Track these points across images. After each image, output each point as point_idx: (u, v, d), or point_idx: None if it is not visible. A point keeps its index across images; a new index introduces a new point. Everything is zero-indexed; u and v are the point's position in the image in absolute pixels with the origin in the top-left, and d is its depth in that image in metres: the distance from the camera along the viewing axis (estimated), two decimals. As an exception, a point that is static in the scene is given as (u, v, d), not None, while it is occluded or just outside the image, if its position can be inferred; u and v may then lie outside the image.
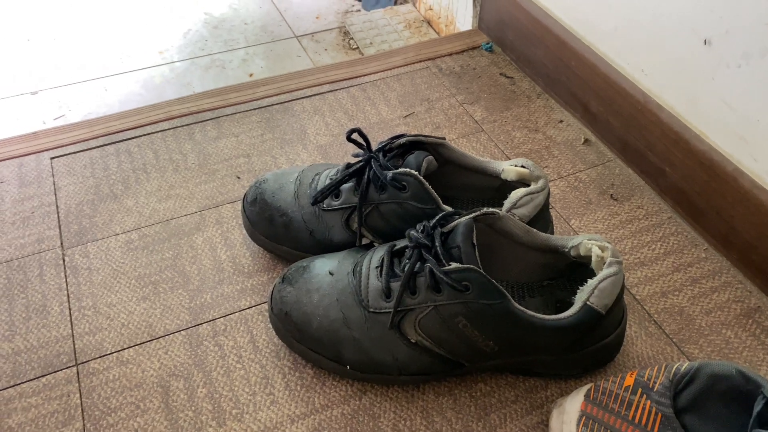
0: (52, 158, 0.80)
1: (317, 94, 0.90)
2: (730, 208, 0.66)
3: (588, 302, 0.52)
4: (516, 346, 0.54)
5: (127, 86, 1.09)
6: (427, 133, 0.74)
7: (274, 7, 1.27)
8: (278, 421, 0.55)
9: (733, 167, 0.65)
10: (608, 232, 0.72)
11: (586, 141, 0.83)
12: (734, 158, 0.65)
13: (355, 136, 0.62)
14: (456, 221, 0.54)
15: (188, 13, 1.25)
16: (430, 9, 1.20)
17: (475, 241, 0.53)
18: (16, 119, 1.03)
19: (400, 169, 0.60)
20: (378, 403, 0.56)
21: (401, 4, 1.27)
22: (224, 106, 0.88)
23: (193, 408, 0.56)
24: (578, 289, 0.54)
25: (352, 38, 1.19)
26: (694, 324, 0.63)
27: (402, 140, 0.63)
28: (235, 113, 0.87)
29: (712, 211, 0.69)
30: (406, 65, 0.95)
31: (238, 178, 0.77)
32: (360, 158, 0.63)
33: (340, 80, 0.93)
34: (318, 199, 0.63)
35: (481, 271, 0.51)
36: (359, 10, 1.26)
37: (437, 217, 0.55)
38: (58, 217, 0.73)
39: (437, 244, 0.53)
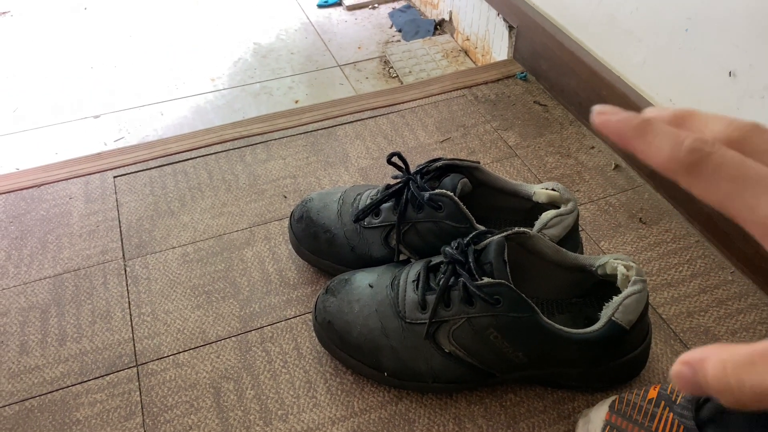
0: (115, 177, 0.87)
1: (359, 120, 0.95)
2: (755, 233, 0.68)
3: (613, 317, 0.55)
4: (544, 358, 0.57)
5: (181, 111, 1.17)
6: (462, 158, 0.79)
7: (319, 38, 1.34)
8: (320, 422, 0.59)
9: (758, 193, 0.67)
10: (637, 254, 0.74)
11: (617, 167, 0.86)
12: (759, 184, 0.68)
13: (395, 159, 0.67)
14: (489, 239, 0.58)
15: (238, 43, 1.33)
16: (467, 39, 1.25)
17: (506, 258, 0.57)
18: (80, 141, 1.11)
19: (437, 191, 0.64)
20: (413, 409, 0.60)
21: (440, 34, 1.33)
22: (273, 131, 0.94)
23: (242, 408, 0.61)
24: (605, 305, 0.57)
25: (392, 67, 1.25)
26: (719, 343, 0.65)
27: (439, 163, 0.67)
28: (282, 137, 0.93)
29: (739, 236, 0.71)
30: (444, 93, 1.00)
31: (285, 197, 0.83)
32: (399, 180, 0.67)
33: (380, 107, 0.98)
34: (360, 217, 0.67)
35: (512, 285, 0.55)
36: (399, 41, 1.32)
37: (471, 235, 0.59)
38: (120, 231, 0.79)
39: (470, 260, 0.57)
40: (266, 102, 1.17)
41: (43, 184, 0.85)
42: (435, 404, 0.61)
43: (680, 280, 0.71)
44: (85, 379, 0.63)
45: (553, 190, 0.67)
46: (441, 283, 0.57)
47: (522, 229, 0.59)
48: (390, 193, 0.67)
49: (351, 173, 0.87)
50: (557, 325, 0.55)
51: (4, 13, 1.48)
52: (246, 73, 1.26)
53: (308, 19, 1.40)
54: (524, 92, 1.00)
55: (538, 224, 0.64)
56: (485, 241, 0.59)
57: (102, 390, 0.62)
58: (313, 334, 0.66)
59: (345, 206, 0.71)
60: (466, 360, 0.58)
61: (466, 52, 1.26)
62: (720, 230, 0.73)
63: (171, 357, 0.65)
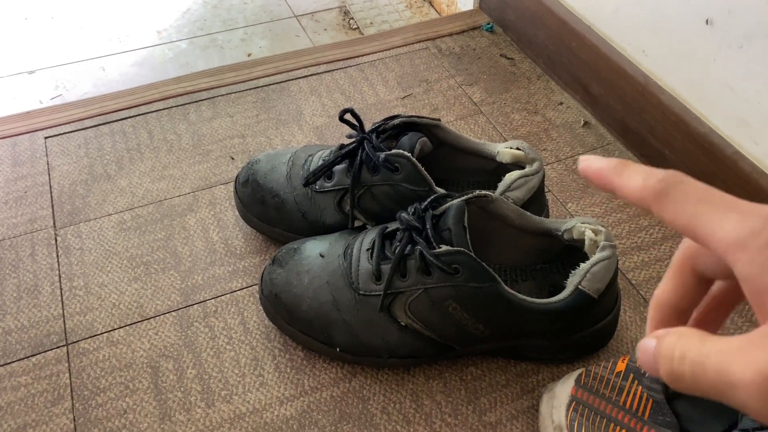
0: (46, 138, 0.79)
1: (314, 74, 0.89)
2: (730, 192, 0.65)
3: (580, 286, 0.52)
4: (506, 329, 0.53)
5: (125, 66, 1.08)
6: (423, 115, 0.73)
7: (273, -15, 1.26)
8: (267, 402, 0.55)
9: (733, 150, 0.64)
10: (606, 216, 0.71)
11: (586, 123, 0.81)
12: (735, 141, 0.64)
13: (348, 116, 0.61)
14: (448, 204, 0.54)
15: (187, -9, 1.24)
16: (432, -12, 1.18)
17: (466, 224, 0.52)
18: (12, 98, 1.02)
19: (393, 151, 0.59)
20: (368, 386, 0.56)
21: (403, -17, 1.25)
22: (220, 86, 0.87)
23: (182, 389, 0.56)
24: (571, 273, 0.53)
25: (352, 18, 1.18)
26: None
27: (396, 121, 0.62)
28: (230, 93, 0.86)
29: (712, 196, 0.67)
30: (406, 45, 0.94)
31: (232, 159, 0.77)
32: (353, 139, 0.62)
33: (338, 60, 0.91)
34: (310, 180, 0.62)
35: (471, 254, 0.50)
36: (360, -10, 1.24)
37: (429, 200, 0.54)
38: (51, 197, 0.72)
39: (428, 226, 0.52)
40: (217, 56, 1.10)
41: (-36, 146, 0.78)
42: (391, 380, 0.57)
43: (651, 243, 0.68)
44: (8, 361, 0.58)
45: (517, 149, 0.62)
46: (396, 251, 0.53)
47: (483, 192, 0.55)
48: (343, 154, 0.61)
49: (305, 132, 0.81)
50: (520, 296, 0.51)
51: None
52: (195, 24, 1.17)
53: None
54: (490, 44, 0.94)
55: (501, 186, 0.59)
56: (444, 206, 0.54)
57: (27, 372, 0.57)
58: (261, 308, 0.61)
59: (295, 168, 0.65)
60: (423, 333, 0.54)
61: (430, 2, 1.19)
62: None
63: (105, 334, 0.60)
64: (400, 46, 0.94)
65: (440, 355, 0.56)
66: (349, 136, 0.63)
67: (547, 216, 0.65)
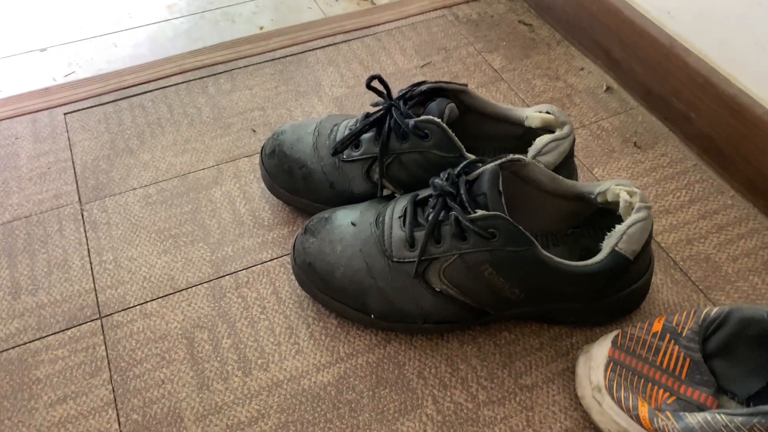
0: (65, 114, 0.79)
1: (331, 45, 0.88)
2: (759, 154, 0.65)
3: (616, 248, 0.51)
4: (542, 293, 0.53)
5: (137, 41, 1.07)
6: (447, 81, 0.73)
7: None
8: (304, 370, 0.55)
9: (763, 110, 0.63)
10: (632, 180, 0.70)
11: (609, 88, 0.81)
12: (765, 101, 0.63)
13: (375, 83, 0.61)
14: (481, 168, 0.53)
15: (195, -35, 1.22)
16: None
17: (501, 189, 0.52)
18: (27, 76, 1.01)
19: (423, 117, 0.58)
20: (403, 352, 0.56)
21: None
22: (237, 59, 0.86)
23: (218, 359, 0.56)
24: (605, 236, 0.53)
25: (363, -12, 1.16)
26: (720, 271, 0.62)
27: (423, 87, 0.61)
28: (248, 65, 0.85)
29: (740, 158, 0.67)
30: (422, 13, 0.93)
31: (254, 131, 0.76)
32: (380, 107, 0.61)
33: (354, 29, 0.90)
34: (338, 149, 0.61)
35: (508, 218, 0.50)
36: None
37: (462, 165, 0.54)
38: (75, 172, 0.72)
39: (462, 191, 0.52)
40: (228, 30, 1.08)
41: (-16, 124, 0.77)
42: (426, 346, 0.57)
43: (678, 206, 0.68)
44: (44, 335, 0.58)
45: (547, 113, 0.61)
46: (431, 217, 0.52)
47: (517, 156, 0.54)
48: (370, 122, 0.61)
49: (325, 103, 0.80)
50: (558, 259, 0.51)
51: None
52: (205, -3, 1.15)
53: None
54: (508, 11, 0.93)
55: (532, 150, 0.59)
56: (477, 171, 0.53)
57: (63, 345, 0.57)
58: (293, 277, 0.61)
59: (321, 138, 0.64)
60: (458, 298, 0.54)
61: (442, -29, 1.17)
62: (718, 152, 0.69)
63: (138, 307, 0.60)
64: (416, 15, 0.93)
65: (474, 320, 0.56)
66: (375, 104, 0.62)
67: (577, 180, 0.65)
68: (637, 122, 0.76)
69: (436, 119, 0.58)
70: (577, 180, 0.65)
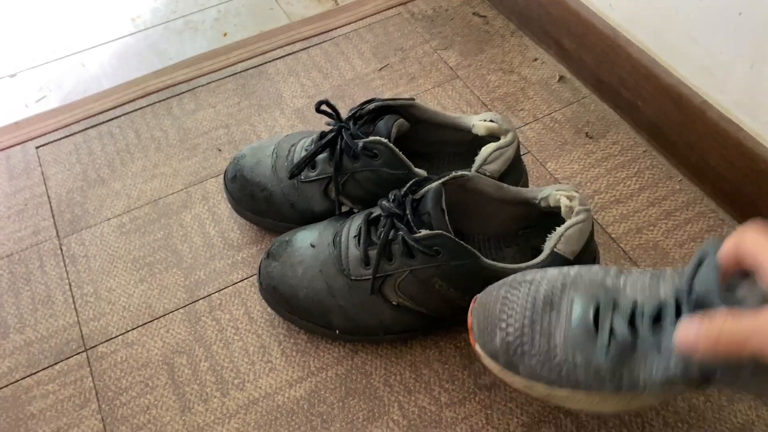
0: (37, 147, 0.81)
1: (290, 54, 0.90)
2: (700, 141, 0.67)
3: (555, 249, 0.55)
4: (492, 300, 0.56)
5: (104, 59, 1.09)
6: (396, 95, 0.75)
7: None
8: (278, 386, 0.59)
9: (700, 100, 0.65)
10: (584, 171, 0.73)
11: (561, 78, 0.83)
12: (701, 91, 0.66)
13: (323, 107, 0.63)
14: (426, 188, 0.56)
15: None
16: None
17: (444, 207, 0.55)
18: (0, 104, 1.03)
19: (371, 138, 0.61)
20: (369, 361, 0.60)
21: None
22: (199, 76, 0.88)
23: (197, 381, 0.60)
24: (548, 237, 0.56)
25: (324, -16, 1.16)
26: (668, 257, 0.65)
27: (371, 106, 0.64)
28: (209, 82, 0.87)
29: (684, 144, 0.69)
30: (378, 13, 0.94)
31: (219, 150, 0.79)
32: (332, 128, 0.64)
33: (312, 36, 0.92)
34: (294, 173, 0.64)
35: (450, 235, 0.53)
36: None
37: (408, 185, 0.57)
38: (51, 206, 0.75)
39: (408, 212, 0.55)
40: (192, 38, 1.10)
41: (-40, 164, 0.80)
42: (390, 354, 0.61)
43: (629, 194, 0.71)
44: (34, 371, 0.62)
45: (491, 121, 0.64)
46: (381, 237, 0.56)
47: (460, 173, 0.57)
48: (323, 144, 0.63)
49: (287, 116, 0.82)
50: (500, 264, 0.54)
51: None
52: (168, 7, 1.16)
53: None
54: (462, 3, 0.94)
55: (478, 160, 0.62)
56: (423, 190, 0.56)
57: (53, 380, 0.61)
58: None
59: (279, 160, 0.67)
60: (415, 309, 0.57)
61: (400, -40, 1.17)
62: (665, 139, 0.72)
63: (120, 337, 0.64)
64: (372, 14, 0.94)
65: (433, 327, 0.60)
66: (329, 124, 0.65)
67: (526, 182, 0.67)
68: (589, 111, 0.79)
69: (383, 140, 0.60)
70: (527, 181, 0.67)
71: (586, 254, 0.57)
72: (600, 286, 0.47)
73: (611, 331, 0.44)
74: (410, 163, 0.61)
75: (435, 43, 0.89)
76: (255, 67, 0.88)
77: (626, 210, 0.69)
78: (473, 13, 0.92)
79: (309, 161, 0.64)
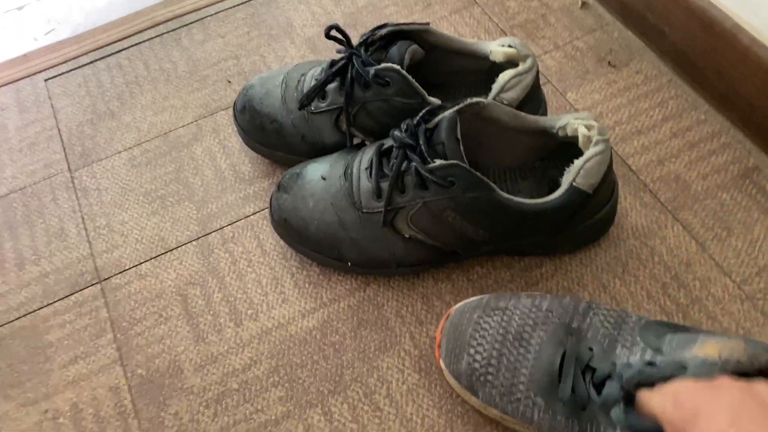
0: (46, 80, 0.80)
1: (301, -19, 0.86)
2: (729, 67, 0.64)
3: (574, 183, 0.53)
4: (506, 232, 0.55)
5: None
6: (409, 22, 0.72)
7: None
8: (290, 317, 0.59)
9: (732, 23, 0.62)
10: (605, 102, 0.70)
11: (584, 4, 0.79)
12: (733, 13, 0.62)
13: (334, 32, 0.61)
14: (440, 116, 0.54)
15: None
16: None
17: (459, 136, 0.53)
18: (7, 37, 1.02)
19: (382, 65, 0.59)
20: (381, 293, 0.60)
21: None
22: (207, 5, 0.85)
23: (211, 312, 0.61)
24: (566, 170, 0.55)
25: None
26: (689, 190, 0.63)
27: (383, 31, 0.61)
28: (218, 12, 0.84)
29: (712, 71, 0.66)
30: (392, -63, 0.90)
31: (229, 82, 0.77)
32: (342, 55, 0.61)
33: (324, -38, 0.88)
34: (304, 103, 0.62)
35: (465, 165, 0.51)
36: None
37: (420, 114, 0.55)
38: (62, 139, 0.74)
39: (421, 142, 0.53)
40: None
41: (-30, 98, 0.79)
42: (402, 285, 0.60)
43: (651, 125, 0.68)
44: (51, 302, 0.63)
45: (509, 46, 0.61)
46: (393, 169, 0.54)
47: (475, 99, 0.55)
48: (333, 73, 0.61)
49: (297, 46, 0.80)
50: (516, 199, 0.53)
51: None
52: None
53: None
54: (481, -75, 0.89)
55: (495, 87, 0.59)
56: (436, 119, 0.55)
57: (69, 310, 0.62)
58: (274, 230, 0.64)
59: (289, 90, 0.65)
60: (427, 242, 0.56)
61: None
62: (692, 66, 0.69)
63: (133, 269, 0.64)
64: (387, -62, 0.89)
65: (446, 260, 0.59)
66: (339, 51, 0.63)
67: (545, 112, 0.65)
68: (613, 39, 0.75)
69: (395, 66, 0.58)
70: (545, 111, 0.65)
71: (605, 187, 0.55)
72: (567, 332, 0.48)
73: (573, 385, 0.45)
74: (424, 92, 0.59)
75: (452, -33, 0.85)
76: (265, -5, 0.85)
77: (648, 141, 0.67)
78: (493, -65, 0.88)
79: (318, 91, 0.62)
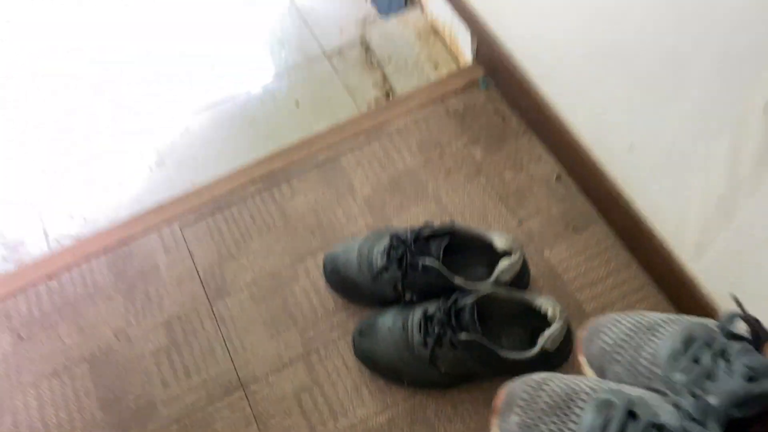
0: (180, 228, 1.14)
1: (357, 148, 1.20)
2: (644, 248, 0.99)
3: (543, 347, 0.89)
4: (502, 370, 0.91)
5: (204, 123, 1.38)
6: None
7: (304, 23, 1.51)
8: (367, 415, 0.95)
9: (651, 235, 0.97)
10: (570, 259, 1.05)
11: (558, 177, 1.13)
12: (656, 229, 0.97)
13: (394, 242, 0.95)
14: (464, 303, 0.89)
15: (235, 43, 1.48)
16: (435, 18, 1.43)
17: (476, 318, 0.88)
18: (120, 164, 1.34)
19: (427, 260, 0.93)
20: (425, 400, 0.96)
21: (410, 9, 1.49)
22: (289, 165, 1.19)
23: (317, 411, 0.96)
24: (541, 335, 0.90)
25: (372, 53, 1.44)
26: (621, 328, 0.99)
27: (425, 233, 0.96)
28: (300, 171, 1.18)
29: (636, 242, 1.01)
30: (421, 108, 1.23)
31: (312, 233, 1.11)
32: (400, 249, 0.96)
33: (372, 128, 1.21)
34: (376, 276, 0.97)
35: (480, 340, 0.87)
36: (375, 21, 1.49)
37: (451, 300, 0.90)
38: (200, 277, 1.09)
39: (452, 320, 0.89)
40: (273, 106, 1.39)
41: (127, 241, 1.13)
42: (438, 396, 0.96)
43: (599, 279, 1.03)
44: (213, 402, 0.98)
45: (506, 241, 0.96)
46: (436, 332, 0.90)
47: (487, 291, 0.90)
48: (397, 259, 0.96)
49: (358, 204, 1.14)
50: (511, 354, 0.89)
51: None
52: (251, 73, 1.45)
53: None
54: (486, 101, 1.23)
55: (497, 270, 0.94)
56: (463, 302, 0.90)
57: (226, 408, 0.98)
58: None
59: (362, 259, 1.00)
60: (455, 374, 0.92)
61: (435, 31, 1.43)
62: (632, 236, 1.03)
63: (263, 379, 0.99)
64: (416, 109, 1.23)
65: (465, 382, 0.95)
66: (397, 238, 0.97)
67: (529, 275, 1.00)
68: (576, 207, 1.10)
69: (435, 262, 0.93)
70: (529, 275, 1.00)
71: (564, 345, 0.91)
72: None
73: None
74: (453, 276, 0.94)
75: (465, 138, 1.19)
76: (331, 160, 1.19)
77: (597, 291, 1.02)
78: (494, 112, 1.21)
79: (385, 270, 0.97)
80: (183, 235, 1.14)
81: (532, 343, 0.90)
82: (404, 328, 0.94)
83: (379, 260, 0.99)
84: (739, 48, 0.67)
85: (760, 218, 0.75)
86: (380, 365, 0.95)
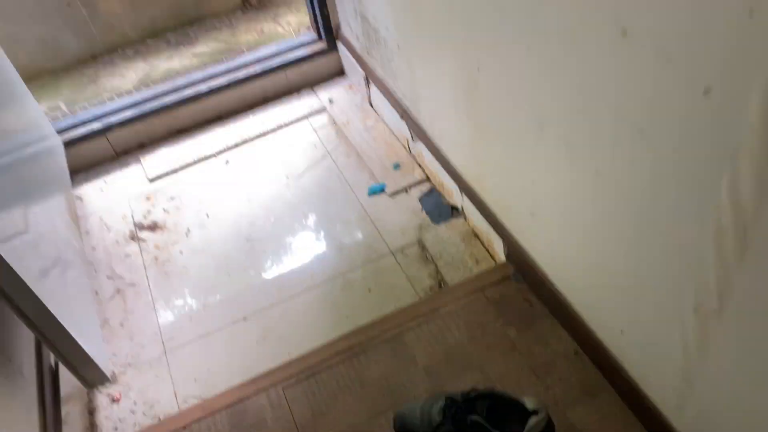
0: (283, 389, 1.49)
1: (417, 327, 1.55)
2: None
3: (551, 467, 1.16)
4: (535, 506, 1.18)
5: (297, 307, 1.78)
6: (480, 387, 1.39)
7: (374, 227, 1.95)
8: None
9: (637, 389, 1.26)
10: (587, 416, 1.34)
11: (576, 352, 1.45)
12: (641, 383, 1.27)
13: (449, 402, 1.28)
14: (502, 452, 1.19)
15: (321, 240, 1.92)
16: (475, 225, 1.84)
17: (511, 463, 1.17)
18: (239, 345, 1.72)
19: (474, 419, 1.24)
20: None
21: (456, 217, 1.91)
22: (365, 340, 1.54)
23: None
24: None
25: (428, 251, 1.84)
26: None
27: (472, 395, 1.28)
28: (373, 345, 1.53)
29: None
30: (466, 295, 1.59)
31: (384, 396, 1.44)
32: (452, 408, 1.28)
33: (428, 312, 1.58)
34: (434, 430, 1.28)
35: (515, 479, 1.15)
36: (429, 224, 1.91)
37: (493, 448, 1.20)
38: (298, 429, 1.41)
39: (494, 464, 1.18)
40: (351, 292, 1.78)
41: (243, 400, 1.48)
42: None
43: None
44: None
45: (534, 403, 1.27)
46: (481, 474, 1.18)
47: (518, 442, 1.20)
48: (450, 416, 1.27)
49: (419, 373, 1.47)
50: (539, 492, 1.16)
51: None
52: (335, 267, 1.86)
53: (364, 209, 2.00)
54: (517, 291, 1.59)
55: (527, 427, 1.24)
56: (501, 451, 1.19)
57: None
58: (418, 494, 1.27)
59: (424, 416, 1.32)
60: None
61: (476, 236, 1.84)
62: (633, 399, 1.32)
63: None
64: (463, 296, 1.59)
65: None
66: (450, 399, 1.29)
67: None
68: (589, 378, 1.40)
69: (480, 420, 1.24)
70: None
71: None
72: None
73: None
74: (493, 430, 1.24)
75: (501, 320, 1.53)
76: (397, 336, 1.54)
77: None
78: (524, 299, 1.56)
79: (441, 425, 1.28)
80: (285, 395, 1.48)
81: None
82: (457, 471, 1.22)
83: (436, 417, 1.30)
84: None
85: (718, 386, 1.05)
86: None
